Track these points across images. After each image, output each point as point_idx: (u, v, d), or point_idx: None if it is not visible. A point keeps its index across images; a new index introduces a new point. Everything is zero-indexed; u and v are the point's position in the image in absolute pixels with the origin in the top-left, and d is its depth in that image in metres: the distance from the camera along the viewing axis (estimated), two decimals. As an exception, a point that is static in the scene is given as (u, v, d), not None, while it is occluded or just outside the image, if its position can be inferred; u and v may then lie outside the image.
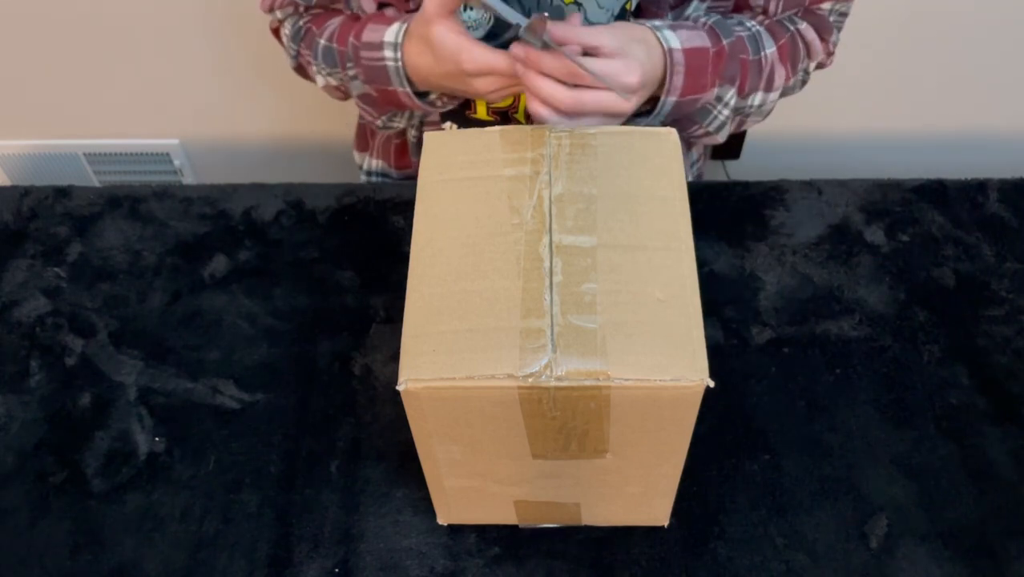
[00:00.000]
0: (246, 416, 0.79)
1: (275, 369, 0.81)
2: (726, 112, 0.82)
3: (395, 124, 0.89)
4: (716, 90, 0.79)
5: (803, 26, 0.85)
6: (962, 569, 0.70)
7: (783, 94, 0.87)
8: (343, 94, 0.89)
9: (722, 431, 0.77)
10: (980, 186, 0.94)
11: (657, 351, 0.54)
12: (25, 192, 0.96)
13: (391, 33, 0.77)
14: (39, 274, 0.90)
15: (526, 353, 0.54)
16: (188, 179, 1.65)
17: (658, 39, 0.74)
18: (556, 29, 0.67)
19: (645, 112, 0.78)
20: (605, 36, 0.69)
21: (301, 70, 0.94)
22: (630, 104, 0.70)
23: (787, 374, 0.81)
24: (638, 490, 0.66)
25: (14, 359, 0.84)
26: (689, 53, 0.75)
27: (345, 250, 0.89)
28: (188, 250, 0.91)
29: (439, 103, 0.82)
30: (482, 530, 0.72)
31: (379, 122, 0.88)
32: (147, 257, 0.90)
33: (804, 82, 0.89)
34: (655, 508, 0.70)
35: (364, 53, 0.79)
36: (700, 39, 0.77)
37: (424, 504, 0.72)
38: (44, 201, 0.95)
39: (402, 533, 0.73)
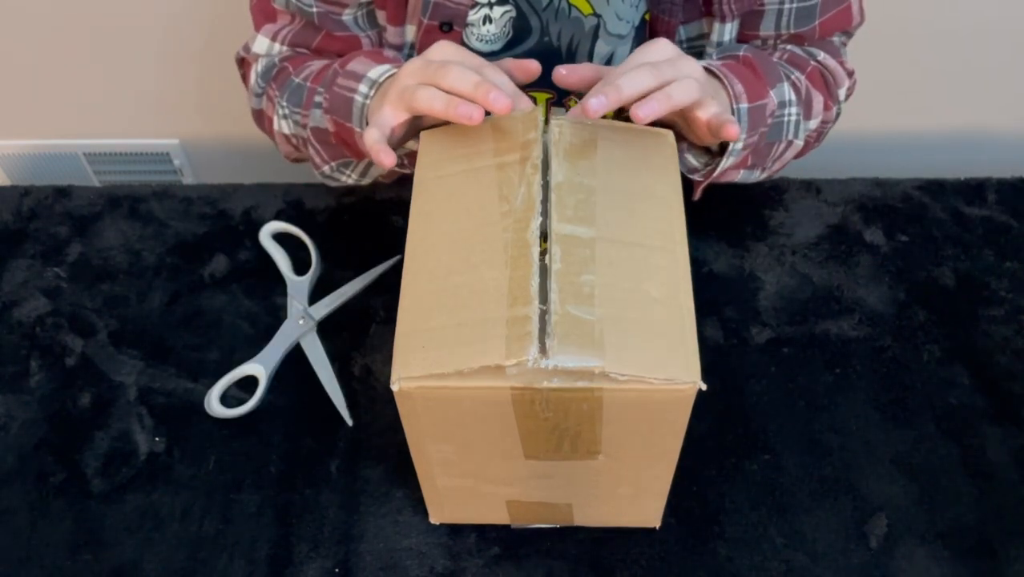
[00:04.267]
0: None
1: (275, 369, 0.81)
2: (794, 111, 0.78)
3: (341, 177, 0.82)
4: (773, 93, 0.75)
5: (821, 56, 0.84)
6: (962, 569, 0.70)
7: (823, 127, 0.85)
8: (292, 147, 0.84)
9: (722, 431, 0.77)
10: (979, 186, 0.94)
11: (652, 350, 0.54)
12: (25, 192, 0.96)
13: (377, 71, 0.72)
14: (39, 274, 0.90)
15: (512, 342, 0.53)
16: (188, 179, 1.65)
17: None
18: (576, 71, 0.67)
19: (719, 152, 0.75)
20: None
21: (260, 116, 0.87)
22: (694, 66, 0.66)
23: (787, 374, 0.81)
24: (630, 491, 0.66)
25: (14, 359, 0.84)
26: (725, 65, 0.73)
27: (345, 250, 0.89)
28: (188, 250, 0.91)
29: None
30: (482, 530, 0.72)
31: (326, 168, 0.81)
32: (147, 257, 0.90)
33: (838, 115, 0.87)
34: (647, 509, 0.70)
35: (341, 80, 0.74)
36: (721, 61, 0.75)
37: (424, 504, 0.72)
38: (44, 201, 0.95)
39: (402, 533, 0.73)
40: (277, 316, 0.85)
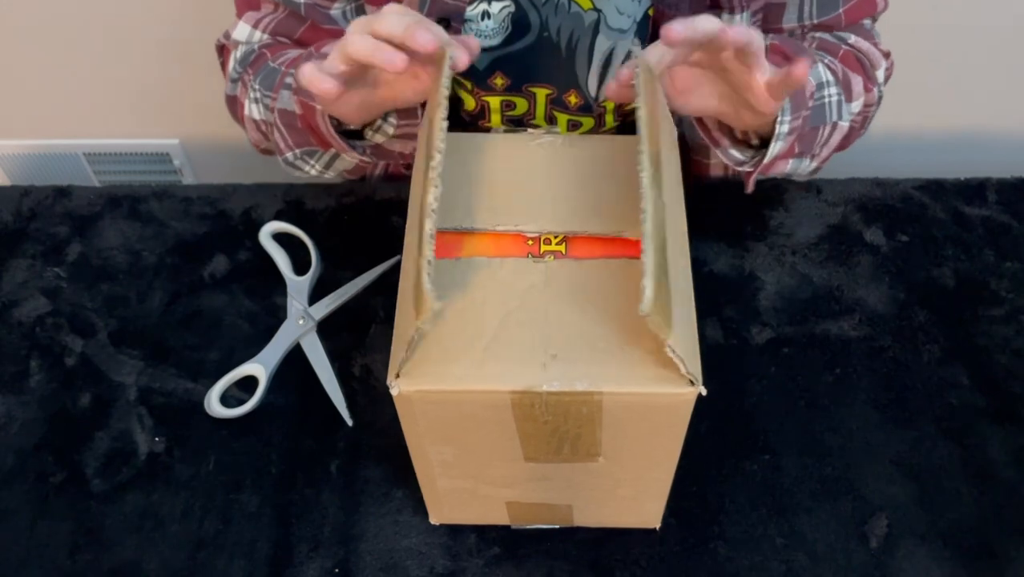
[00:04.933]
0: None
1: (275, 369, 0.81)
2: (835, 91, 0.76)
3: (304, 167, 0.81)
4: (809, 76, 0.71)
5: (852, 39, 0.83)
6: (962, 569, 0.70)
7: (866, 111, 0.82)
8: (261, 134, 0.83)
9: (722, 431, 0.77)
10: (979, 186, 0.94)
11: (688, 341, 0.54)
12: (25, 192, 0.96)
13: None
14: (39, 274, 0.90)
15: (417, 300, 0.52)
16: (188, 179, 1.65)
17: None
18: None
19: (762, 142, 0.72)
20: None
21: (233, 103, 0.86)
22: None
23: (787, 374, 0.81)
24: (630, 493, 0.66)
25: (14, 359, 0.84)
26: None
27: (345, 250, 0.89)
28: (188, 250, 0.91)
29: (357, 148, 0.75)
30: (482, 530, 0.72)
31: (289, 155, 0.80)
32: (147, 257, 0.90)
33: (880, 97, 0.84)
34: (647, 510, 0.70)
35: (323, 52, 0.73)
36: None
37: (424, 504, 0.72)
38: (44, 201, 0.95)
39: (402, 533, 0.73)
40: (277, 316, 0.85)
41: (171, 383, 0.81)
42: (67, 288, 0.88)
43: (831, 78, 0.76)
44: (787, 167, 0.77)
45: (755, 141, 0.74)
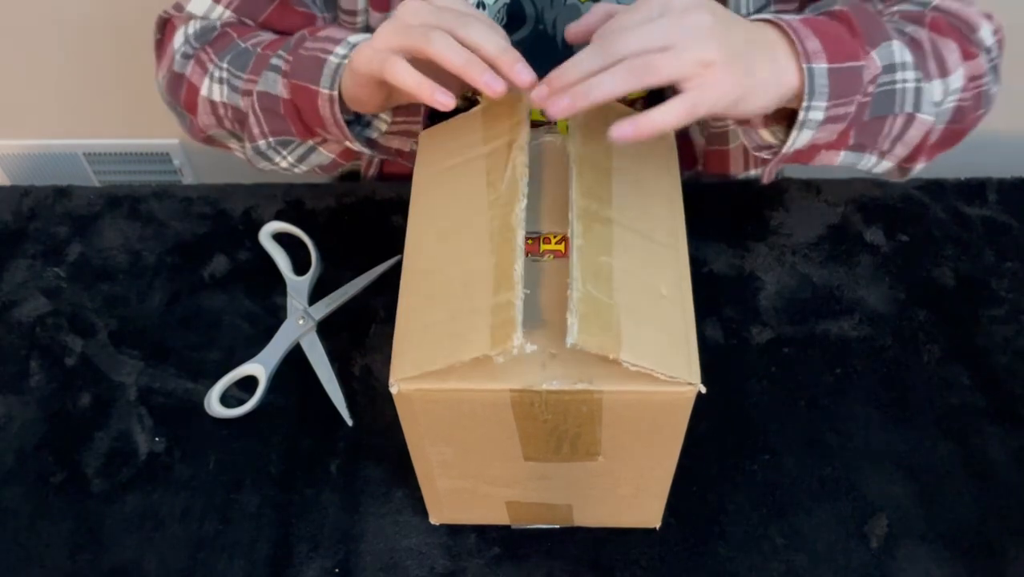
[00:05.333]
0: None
1: (275, 369, 0.81)
2: (912, 76, 0.63)
3: (275, 158, 0.77)
4: (875, 56, 0.61)
5: (935, 0, 0.70)
6: (962, 569, 0.70)
7: (973, 86, 0.69)
8: (215, 119, 0.77)
9: (722, 431, 0.77)
10: (980, 186, 0.94)
11: (659, 347, 0.54)
12: (25, 192, 0.96)
13: (358, 36, 0.67)
14: (39, 274, 0.90)
15: (495, 329, 0.51)
16: (188, 179, 1.65)
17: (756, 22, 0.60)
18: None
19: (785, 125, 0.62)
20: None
21: (178, 81, 0.79)
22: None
23: (787, 374, 0.81)
24: (630, 492, 0.66)
25: (14, 359, 0.84)
26: (805, 21, 0.60)
27: (345, 250, 0.89)
28: (188, 250, 0.91)
29: (360, 139, 0.71)
30: (482, 530, 0.72)
31: (262, 143, 0.75)
32: (147, 257, 0.90)
33: (994, 66, 0.71)
34: (647, 510, 0.70)
35: (310, 44, 0.68)
36: (811, 15, 0.63)
37: (424, 504, 0.72)
38: (44, 201, 0.95)
39: (402, 533, 0.73)
40: (277, 316, 0.85)
41: (171, 383, 0.81)
42: (67, 288, 0.88)
43: (909, 59, 0.63)
44: (838, 159, 0.67)
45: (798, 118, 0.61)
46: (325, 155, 0.76)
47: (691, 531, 0.72)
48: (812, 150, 0.64)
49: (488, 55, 0.56)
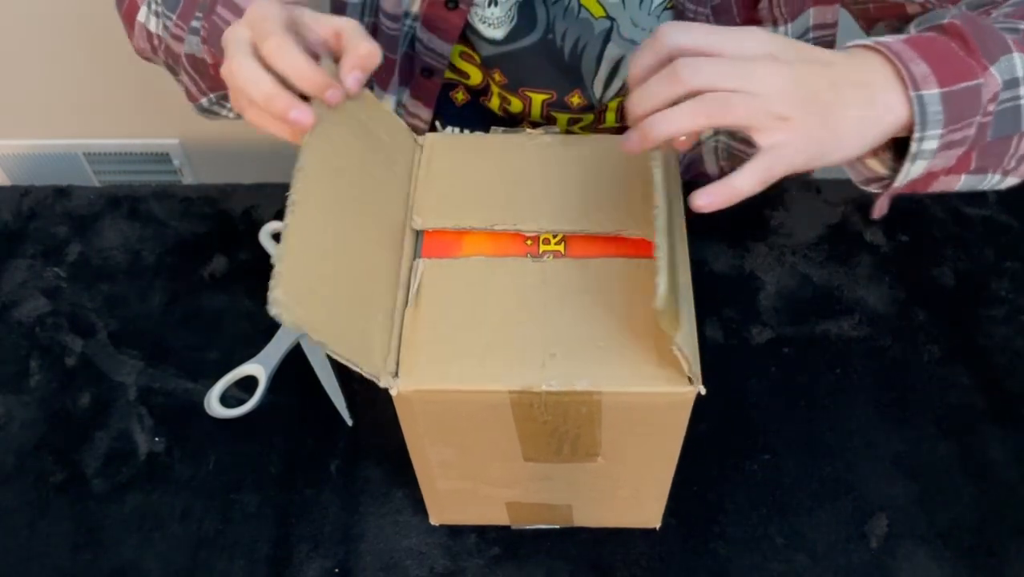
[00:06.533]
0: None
1: (275, 369, 0.81)
2: None
3: (221, 111, 0.75)
4: (995, 71, 0.55)
5: None
6: (962, 569, 0.70)
7: None
8: (151, 48, 0.77)
9: (722, 431, 0.77)
10: (980, 186, 0.94)
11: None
12: (25, 192, 0.96)
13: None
14: (39, 274, 0.90)
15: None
16: (188, 179, 1.65)
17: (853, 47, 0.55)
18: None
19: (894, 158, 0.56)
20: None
21: (122, 4, 0.78)
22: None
23: (787, 374, 0.81)
24: (630, 493, 0.66)
25: (14, 359, 0.84)
26: (911, 41, 0.55)
27: (345, 250, 0.89)
28: (188, 250, 0.91)
29: None
30: (482, 530, 0.72)
31: (204, 100, 0.73)
32: (147, 257, 0.90)
33: None
34: (647, 510, 0.70)
35: (220, 11, 0.66)
36: (920, 33, 0.57)
37: (424, 504, 0.72)
38: (44, 201, 0.95)
39: (402, 533, 0.73)
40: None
41: (171, 383, 0.81)
42: (67, 288, 0.88)
43: None
44: (958, 184, 0.61)
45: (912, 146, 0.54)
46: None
47: (691, 531, 0.72)
48: (928, 177, 0.58)
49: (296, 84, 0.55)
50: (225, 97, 0.72)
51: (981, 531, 0.72)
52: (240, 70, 0.55)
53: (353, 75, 0.57)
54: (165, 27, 0.73)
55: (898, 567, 0.70)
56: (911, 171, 0.56)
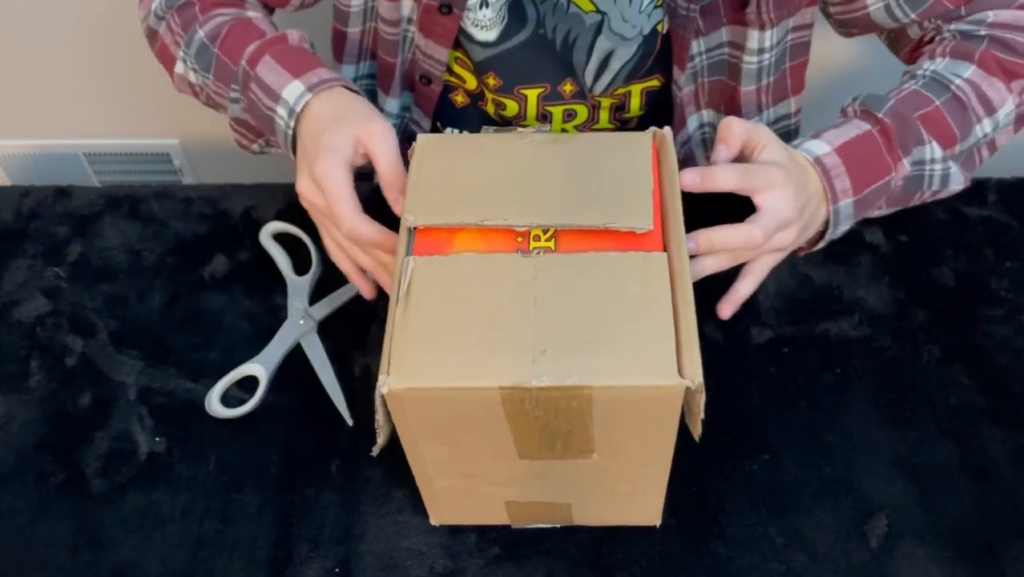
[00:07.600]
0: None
1: (275, 369, 0.81)
2: (939, 167, 0.73)
3: (272, 151, 0.83)
4: (906, 161, 0.71)
5: (990, 17, 0.75)
6: (962, 569, 0.70)
7: (1020, 110, 0.75)
8: (192, 92, 0.83)
9: (722, 431, 0.77)
10: (979, 186, 0.94)
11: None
12: (25, 192, 0.96)
13: (291, 93, 0.71)
14: (39, 274, 0.90)
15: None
16: (188, 179, 1.65)
17: (805, 157, 0.70)
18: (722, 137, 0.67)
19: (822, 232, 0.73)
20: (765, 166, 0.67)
21: (153, 36, 0.84)
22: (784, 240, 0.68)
23: (787, 374, 0.81)
24: (627, 490, 0.66)
25: (14, 359, 0.84)
26: (844, 149, 0.70)
27: (345, 250, 0.89)
28: (188, 250, 0.91)
29: None
30: (482, 530, 0.72)
31: (255, 147, 0.82)
32: (147, 257, 0.90)
33: None
34: (646, 508, 0.70)
35: (256, 89, 0.72)
36: (854, 129, 0.71)
37: (424, 504, 0.72)
38: (44, 201, 0.95)
39: (402, 533, 0.73)
40: (277, 316, 0.85)
41: (171, 383, 0.81)
42: (67, 288, 0.88)
43: (938, 154, 0.72)
44: (877, 214, 0.77)
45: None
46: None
47: (691, 531, 0.72)
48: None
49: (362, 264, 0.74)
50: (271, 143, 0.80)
51: (981, 531, 0.72)
52: (325, 240, 0.75)
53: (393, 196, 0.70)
54: (204, 82, 0.78)
55: (898, 567, 0.70)
56: (831, 238, 0.73)
